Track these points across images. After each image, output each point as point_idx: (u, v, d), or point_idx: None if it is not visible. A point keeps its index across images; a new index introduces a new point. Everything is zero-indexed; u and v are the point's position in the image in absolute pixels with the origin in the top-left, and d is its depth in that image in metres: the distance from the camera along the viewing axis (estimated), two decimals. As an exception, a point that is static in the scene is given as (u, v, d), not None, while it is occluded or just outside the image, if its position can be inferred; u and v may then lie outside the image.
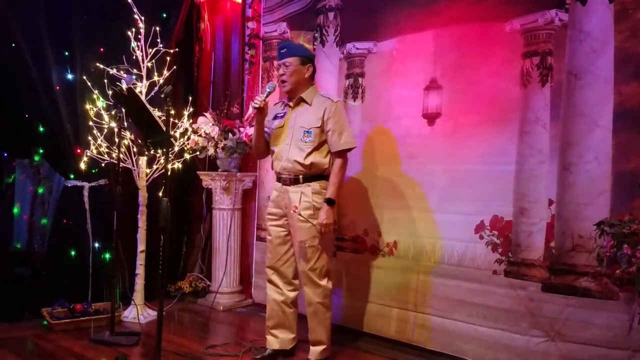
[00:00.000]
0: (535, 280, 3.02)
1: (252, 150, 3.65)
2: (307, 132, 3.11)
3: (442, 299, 3.40)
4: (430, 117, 3.52)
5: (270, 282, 3.31)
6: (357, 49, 3.95)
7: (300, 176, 3.12)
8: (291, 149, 3.13)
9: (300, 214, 3.08)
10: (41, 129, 4.08)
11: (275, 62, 3.23)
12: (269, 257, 3.31)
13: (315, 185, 3.11)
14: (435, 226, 3.47)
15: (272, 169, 3.34)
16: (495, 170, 3.22)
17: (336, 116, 3.10)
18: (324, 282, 3.15)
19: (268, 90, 3.18)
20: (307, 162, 3.09)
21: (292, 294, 3.27)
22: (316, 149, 3.10)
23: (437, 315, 3.42)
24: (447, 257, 3.40)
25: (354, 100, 3.94)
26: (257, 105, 3.10)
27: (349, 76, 3.99)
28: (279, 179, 3.24)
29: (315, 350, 3.20)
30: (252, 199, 4.74)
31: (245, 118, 3.41)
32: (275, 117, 3.28)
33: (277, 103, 3.40)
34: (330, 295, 3.21)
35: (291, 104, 3.23)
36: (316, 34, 4.17)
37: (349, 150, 3.15)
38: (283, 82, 3.17)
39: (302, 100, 3.19)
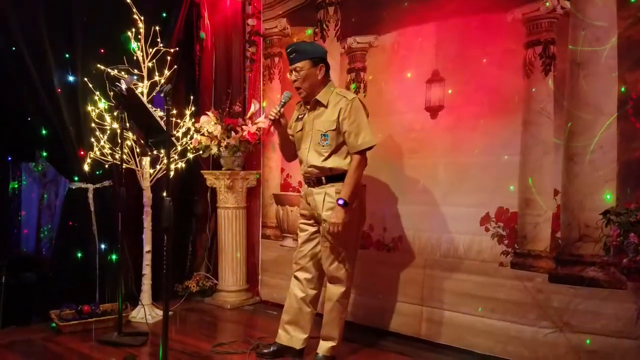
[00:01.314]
0: (542, 272, 3.01)
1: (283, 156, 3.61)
2: (324, 135, 3.04)
3: (449, 292, 3.39)
4: (433, 110, 3.50)
5: (295, 277, 3.29)
6: (358, 43, 3.93)
7: (323, 177, 3.07)
8: (309, 153, 3.09)
9: (324, 215, 3.05)
10: (44, 131, 4.07)
11: (288, 67, 3.13)
12: (296, 253, 3.31)
13: (339, 185, 3.03)
14: (440, 220, 3.45)
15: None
16: (499, 162, 3.20)
17: (352, 116, 3.00)
18: (349, 282, 3.13)
19: (283, 100, 3.12)
20: (327, 166, 3.05)
21: (313, 292, 3.25)
22: (334, 151, 3.04)
23: (445, 309, 3.41)
24: (453, 250, 3.39)
25: (356, 95, 3.92)
26: (272, 117, 3.07)
27: (350, 71, 3.98)
28: (305, 181, 3.23)
29: (324, 344, 3.19)
30: (256, 196, 4.73)
31: (266, 131, 3.36)
32: (297, 119, 3.24)
33: (298, 102, 3.31)
34: (349, 296, 3.20)
35: (308, 106, 3.17)
36: (316, 29, 4.16)
37: (369, 149, 3.03)
38: (297, 88, 3.10)
39: (318, 102, 3.11)
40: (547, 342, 2.97)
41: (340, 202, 2.96)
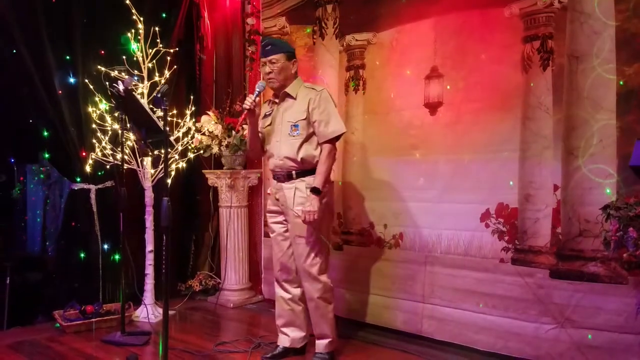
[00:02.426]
0: (543, 267, 3.00)
1: (248, 152, 3.61)
2: (295, 125, 3.06)
3: (450, 289, 3.38)
4: (432, 107, 3.49)
5: (277, 280, 3.30)
6: (356, 40, 3.92)
7: (293, 172, 3.08)
8: (282, 146, 3.09)
9: (295, 211, 3.05)
10: (45, 133, 4.11)
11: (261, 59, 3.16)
12: (274, 254, 3.30)
13: (310, 179, 3.04)
14: (440, 216, 3.44)
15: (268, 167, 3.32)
16: (499, 158, 3.19)
17: (322, 105, 3.04)
18: (323, 277, 3.10)
19: (258, 90, 3.14)
20: (298, 157, 3.05)
21: (298, 290, 3.24)
22: (305, 141, 3.05)
23: (445, 305, 3.40)
24: (454, 247, 3.38)
25: (356, 93, 3.92)
26: (247, 106, 3.05)
27: (349, 68, 3.97)
28: (274, 177, 3.22)
29: (321, 343, 3.18)
30: (258, 195, 4.74)
31: (240, 122, 3.37)
32: (265, 116, 3.26)
33: (265, 102, 3.37)
34: (332, 290, 3.18)
35: (277, 100, 3.20)
36: (315, 28, 4.15)
37: (338, 138, 3.09)
38: (270, 79, 3.12)
39: (287, 95, 3.14)
40: (549, 338, 2.96)
41: (315, 191, 2.97)
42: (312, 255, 3.07)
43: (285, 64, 3.10)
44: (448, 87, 3.41)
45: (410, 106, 3.58)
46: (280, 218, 3.20)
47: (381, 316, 3.73)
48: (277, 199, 3.17)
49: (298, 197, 3.06)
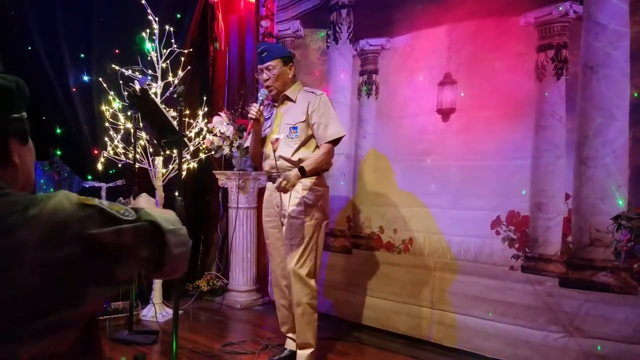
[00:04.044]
0: (552, 276, 3.00)
1: (252, 159, 3.55)
2: (293, 127, 3.01)
3: (460, 295, 3.38)
4: (445, 113, 3.50)
5: (278, 286, 3.24)
6: (370, 45, 3.94)
7: None
8: (279, 147, 2.98)
9: (290, 212, 2.99)
10: (59, 130, 4.13)
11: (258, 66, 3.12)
12: (272, 260, 3.25)
13: (306, 181, 2.98)
14: (451, 222, 3.45)
15: (263, 169, 3.26)
16: (511, 165, 3.19)
17: (321, 109, 3.01)
18: (312, 282, 3.02)
19: (261, 98, 3.07)
20: (295, 158, 2.99)
21: None
22: (303, 144, 3.01)
23: (454, 312, 3.40)
24: (464, 253, 3.38)
25: (368, 97, 3.93)
26: (253, 116, 2.99)
27: (362, 73, 3.99)
28: (269, 178, 3.17)
29: (302, 354, 3.07)
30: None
31: (245, 136, 3.29)
32: (266, 120, 3.21)
33: (264, 105, 3.27)
34: (317, 297, 3.09)
35: (276, 104, 3.16)
36: (329, 32, 4.17)
37: (337, 141, 3.03)
38: (269, 87, 3.08)
39: (287, 97, 3.11)
40: (558, 347, 2.96)
41: (301, 169, 2.87)
42: (304, 258, 2.99)
43: (282, 70, 3.06)
44: (462, 94, 3.42)
45: (423, 112, 3.60)
46: (277, 222, 3.14)
47: (389, 321, 3.73)
48: (273, 201, 3.11)
49: (294, 197, 2.99)
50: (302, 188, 2.99)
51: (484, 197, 3.29)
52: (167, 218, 1.12)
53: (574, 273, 2.92)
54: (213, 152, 4.46)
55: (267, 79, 3.07)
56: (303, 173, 2.87)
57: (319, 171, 3.05)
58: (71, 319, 0.97)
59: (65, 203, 0.99)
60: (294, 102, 3.10)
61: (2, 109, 1.08)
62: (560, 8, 2.99)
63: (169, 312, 4.18)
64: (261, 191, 4.65)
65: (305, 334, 3.05)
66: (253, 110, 3.00)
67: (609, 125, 2.81)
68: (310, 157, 2.98)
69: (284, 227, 3.05)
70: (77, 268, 0.94)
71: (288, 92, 3.11)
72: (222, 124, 4.39)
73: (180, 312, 4.19)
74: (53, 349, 0.96)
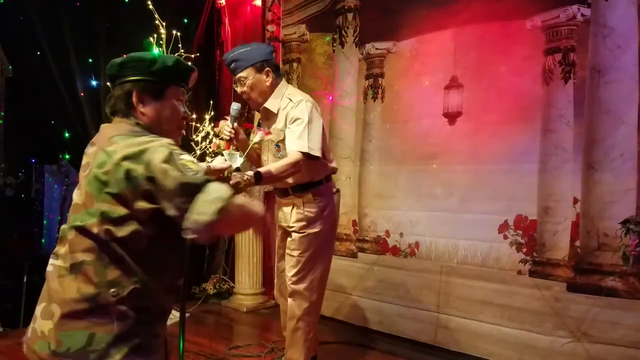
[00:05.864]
0: (560, 280, 2.99)
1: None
2: (277, 145, 2.79)
3: (466, 300, 3.37)
4: (451, 117, 3.49)
5: (280, 294, 3.17)
6: (376, 49, 3.94)
7: (288, 188, 2.84)
8: (269, 165, 2.77)
9: (292, 227, 2.87)
10: (67, 134, 4.16)
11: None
12: (276, 268, 3.20)
13: (307, 194, 2.82)
14: (457, 226, 3.44)
15: None
16: (518, 169, 3.18)
17: (295, 116, 2.68)
18: (313, 297, 2.84)
19: (233, 115, 2.67)
20: None
21: None
22: None
23: (461, 316, 3.39)
24: (471, 257, 3.37)
25: (374, 101, 3.93)
26: (226, 137, 2.66)
27: (368, 76, 3.99)
28: (274, 191, 3.05)
29: None
30: (274, 200, 4.72)
31: (213, 149, 3.06)
32: (257, 126, 3.01)
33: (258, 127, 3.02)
34: (318, 313, 2.94)
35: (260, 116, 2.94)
36: (335, 35, 4.18)
37: (306, 155, 2.64)
38: (248, 100, 2.83)
39: (268, 110, 2.82)
40: (565, 352, 2.94)
41: (257, 175, 2.49)
42: (303, 273, 2.84)
43: (256, 79, 2.73)
44: (468, 97, 3.41)
45: (429, 115, 3.59)
46: (282, 231, 3.04)
47: (395, 325, 3.72)
48: (279, 214, 3.01)
49: (295, 212, 2.85)
50: (302, 202, 2.84)
51: (491, 201, 3.28)
52: (212, 191, 1.39)
53: (581, 278, 2.91)
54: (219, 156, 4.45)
55: (242, 92, 2.78)
56: (259, 179, 2.51)
57: (282, 180, 2.73)
58: (138, 215, 1.45)
59: (157, 142, 1.47)
60: (276, 113, 2.79)
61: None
62: (568, 11, 2.98)
63: (175, 315, 4.17)
64: (267, 195, 4.67)
65: (295, 350, 2.88)
66: (226, 130, 2.67)
67: (617, 128, 2.80)
68: (276, 164, 2.65)
69: (288, 239, 2.94)
70: (139, 180, 1.42)
71: (268, 104, 2.79)
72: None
73: (186, 314, 4.21)
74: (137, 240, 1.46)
